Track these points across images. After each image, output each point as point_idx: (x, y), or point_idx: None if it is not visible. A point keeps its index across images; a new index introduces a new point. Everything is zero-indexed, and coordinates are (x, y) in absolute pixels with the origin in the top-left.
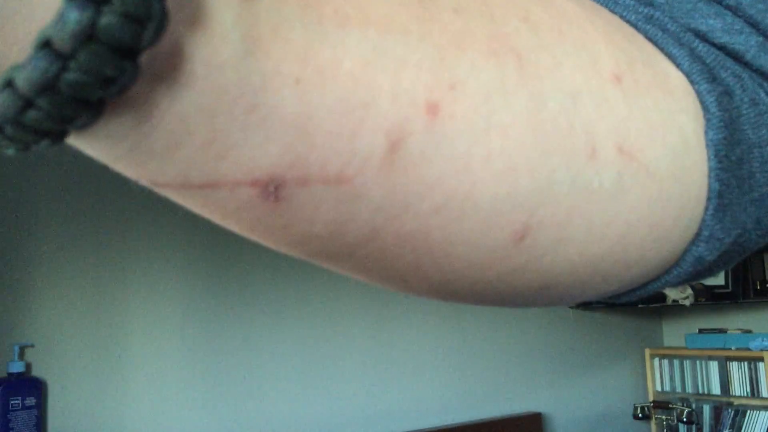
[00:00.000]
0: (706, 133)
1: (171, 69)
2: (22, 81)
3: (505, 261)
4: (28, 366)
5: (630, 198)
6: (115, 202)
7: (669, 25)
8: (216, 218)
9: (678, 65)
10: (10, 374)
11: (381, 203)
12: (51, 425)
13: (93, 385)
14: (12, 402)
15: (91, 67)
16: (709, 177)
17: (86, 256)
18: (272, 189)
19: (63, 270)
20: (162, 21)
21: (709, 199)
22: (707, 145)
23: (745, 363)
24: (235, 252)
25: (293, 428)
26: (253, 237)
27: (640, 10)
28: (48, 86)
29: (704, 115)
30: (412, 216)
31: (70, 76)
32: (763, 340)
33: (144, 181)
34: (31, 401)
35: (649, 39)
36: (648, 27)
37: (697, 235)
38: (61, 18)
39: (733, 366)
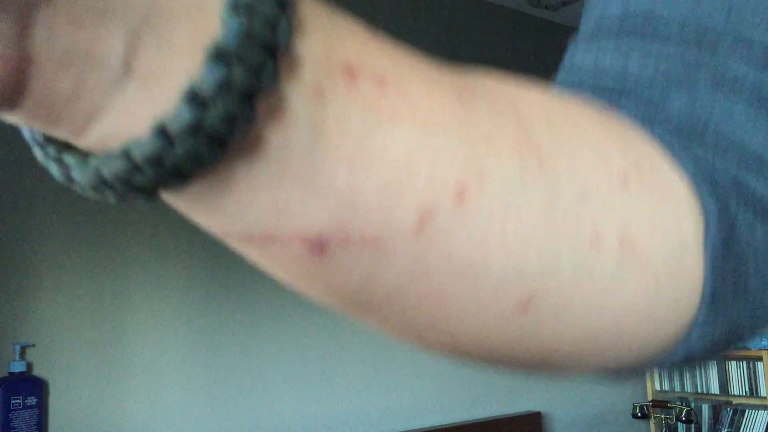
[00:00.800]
0: (704, 236)
1: (251, 149)
2: (138, 154)
3: (510, 328)
4: (29, 365)
5: (627, 285)
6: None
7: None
8: (265, 265)
9: (683, 169)
10: (11, 374)
11: (407, 266)
12: (52, 424)
13: (93, 384)
14: (13, 401)
15: (192, 151)
16: (704, 278)
17: (87, 256)
18: (319, 246)
19: (64, 270)
20: (252, 118)
21: (702, 297)
22: (704, 248)
23: (744, 362)
24: (236, 252)
25: (293, 428)
26: (296, 285)
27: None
28: (157, 160)
29: (703, 219)
30: (432, 279)
31: (176, 155)
32: (761, 340)
33: (210, 230)
34: (32, 401)
35: (661, 141)
36: (661, 133)
37: (690, 327)
38: (177, 112)
39: (732, 365)
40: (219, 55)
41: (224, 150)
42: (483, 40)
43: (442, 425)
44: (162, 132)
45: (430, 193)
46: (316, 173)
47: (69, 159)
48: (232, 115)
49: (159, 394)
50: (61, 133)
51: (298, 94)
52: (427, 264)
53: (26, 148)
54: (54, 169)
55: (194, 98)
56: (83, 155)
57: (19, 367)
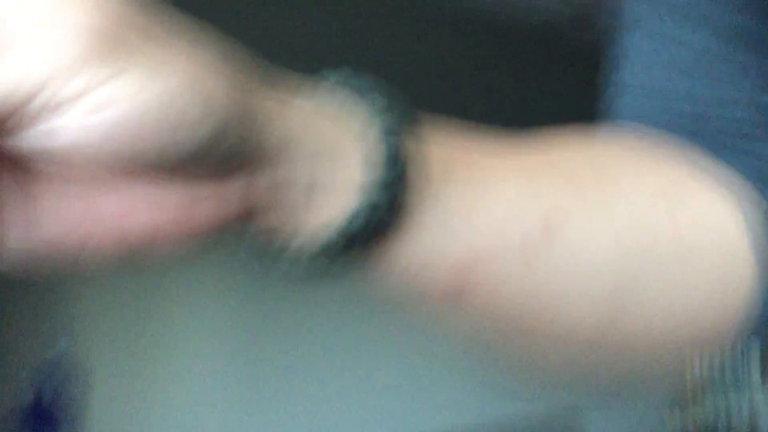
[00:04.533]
0: (751, 238)
1: (399, 232)
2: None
3: (601, 325)
4: (70, 353)
5: (688, 283)
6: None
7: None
8: (427, 296)
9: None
10: (54, 360)
11: (519, 280)
12: (91, 419)
13: (133, 384)
14: (56, 387)
15: (364, 251)
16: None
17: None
18: (462, 272)
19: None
20: (394, 225)
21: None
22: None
23: None
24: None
25: (332, 427)
26: (447, 307)
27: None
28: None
29: (749, 219)
30: (538, 292)
31: (357, 247)
32: None
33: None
34: (74, 388)
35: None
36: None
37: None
38: (353, 217)
39: None
40: (374, 164)
41: (384, 243)
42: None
43: (472, 423)
44: (343, 234)
45: (525, 228)
46: (445, 229)
47: (285, 243)
48: (394, 196)
49: (196, 397)
50: (276, 229)
51: (426, 193)
52: (534, 281)
53: None
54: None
55: (367, 189)
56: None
57: (61, 354)
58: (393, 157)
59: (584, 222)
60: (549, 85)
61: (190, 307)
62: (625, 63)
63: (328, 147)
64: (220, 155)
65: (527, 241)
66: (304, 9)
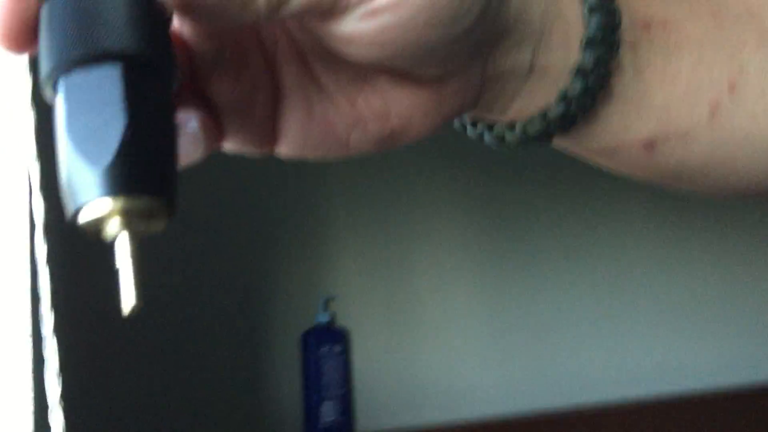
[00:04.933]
0: None
1: (607, 96)
2: (552, 114)
3: None
4: (333, 316)
5: None
6: (400, 156)
7: None
8: (611, 167)
9: None
10: (318, 324)
11: (707, 145)
12: (356, 371)
13: (388, 334)
14: (322, 350)
15: (581, 106)
16: None
17: (375, 215)
18: (650, 145)
19: (357, 228)
20: (610, 77)
21: None
22: None
23: None
24: (517, 204)
25: (582, 377)
26: (633, 175)
27: None
28: (563, 116)
29: None
30: (724, 151)
31: (572, 111)
32: None
33: (574, 152)
34: (338, 348)
35: None
36: None
37: None
38: (572, 84)
39: None
40: (590, 43)
41: (594, 101)
42: None
43: (747, 383)
44: (564, 98)
45: (713, 92)
46: (642, 99)
47: (498, 129)
48: (602, 77)
49: (447, 343)
50: (487, 116)
51: (624, 52)
52: (720, 142)
53: None
54: (487, 137)
55: (579, 72)
56: (490, 126)
57: (324, 318)
58: (612, 26)
59: (764, 73)
60: None
61: (437, 261)
62: None
63: (551, 17)
64: (483, 31)
65: (714, 109)
66: None
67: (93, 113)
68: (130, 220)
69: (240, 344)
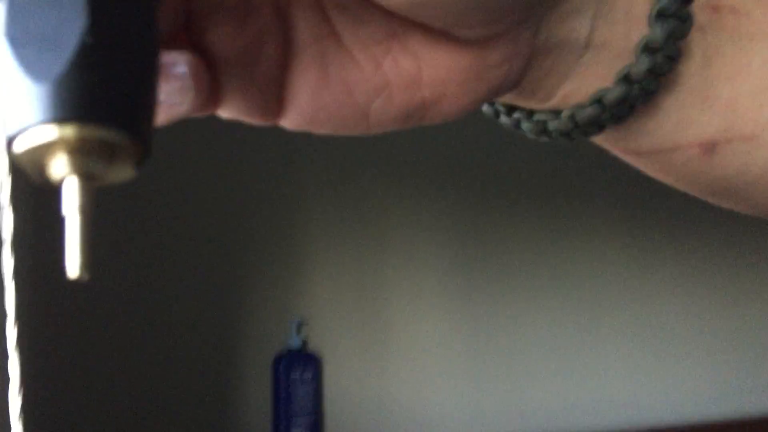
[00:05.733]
0: None
1: (671, 83)
2: (609, 98)
3: None
4: (305, 340)
5: None
6: (374, 179)
7: None
8: (659, 172)
9: None
10: (290, 348)
11: None
12: (327, 396)
13: (361, 359)
14: (292, 376)
15: (645, 89)
16: None
17: (350, 237)
18: (710, 148)
19: (328, 249)
20: (679, 57)
21: None
22: None
23: None
24: (493, 230)
25: (552, 406)
26: (681, 184)
27: None
28: (622, 101)
29: None
30: None
31: (634, 94)
32: None
33: (622, 152)
34: (308, 375)
35: None
36: None
37: None
38: (638, 61)
39: None
40: (660, 16)
41: (658, 85)
42: None
43: (711, 419)
44: (626, 78)
45: None
46: (708, 91)
47: (539, 116)
48: (671, 57)
49: (420, 370)
50: (528, 103)
51: (693, 34)
52: None
53: (291, 139)
54: (525, 125)
55: (647, 48)
56: (529, 113)
57: (296, 342)
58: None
59: None
60: None
61: (410, 285)
62: None
63: None
64: None
65: None
66: None
67: (43, 11)
68: (81, 157)
69: (211, 367)
